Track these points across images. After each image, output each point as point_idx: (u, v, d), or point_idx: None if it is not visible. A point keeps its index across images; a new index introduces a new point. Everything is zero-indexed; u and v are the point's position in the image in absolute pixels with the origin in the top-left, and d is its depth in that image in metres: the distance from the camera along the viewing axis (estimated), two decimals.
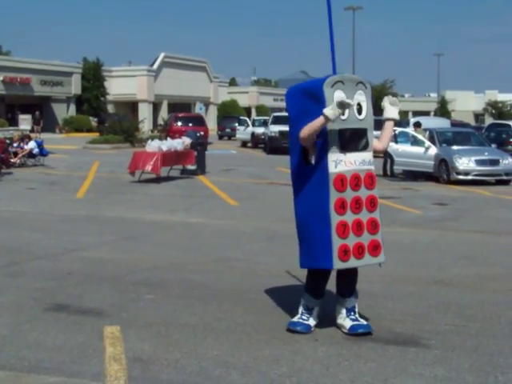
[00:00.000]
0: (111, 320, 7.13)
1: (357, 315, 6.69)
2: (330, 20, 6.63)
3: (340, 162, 6.45)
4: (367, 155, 6.62)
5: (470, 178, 22.29)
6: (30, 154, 27.61)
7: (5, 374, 5.69)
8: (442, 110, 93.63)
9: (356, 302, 6.75)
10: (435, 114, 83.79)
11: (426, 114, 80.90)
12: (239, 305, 7.77)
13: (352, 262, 6.51)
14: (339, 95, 6.35)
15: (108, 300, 7.91)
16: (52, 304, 7.73)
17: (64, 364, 5.91)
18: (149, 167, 21.24)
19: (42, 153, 28.04)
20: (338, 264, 6.44)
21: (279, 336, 6.69)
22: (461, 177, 22.31)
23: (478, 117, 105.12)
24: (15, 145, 28.02)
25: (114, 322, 7.06)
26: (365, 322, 6.66)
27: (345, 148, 6.50)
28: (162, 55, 76.58)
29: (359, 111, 6.52)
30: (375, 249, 6.56)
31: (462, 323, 7.20)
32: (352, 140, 6.55)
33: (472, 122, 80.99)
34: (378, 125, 6.89)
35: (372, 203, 6.54)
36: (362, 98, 6.53)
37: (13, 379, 5.61)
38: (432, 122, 31.61)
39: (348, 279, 6.69)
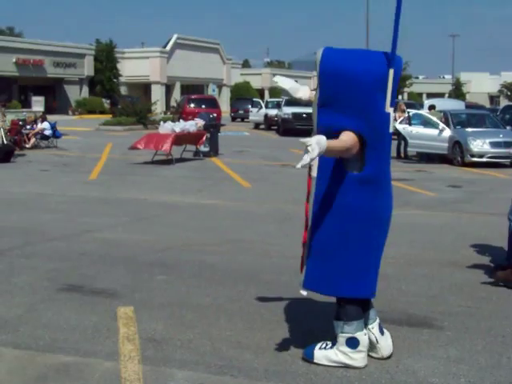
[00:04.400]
0: (124, 301, 7.19)
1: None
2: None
3: None
4: None
5: (484, 160, 22.18)
6: (43, 136, 27.68)
7: (20, 353, 5.76)
8: (457, 92, 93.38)
9: (336, 329, 5.63)
10: (450, 96, 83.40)
11: (440, 95, 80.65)
12: (252, 286, 7.81)
13: None
14: None
15: (121, 281, 7.97)
16: (66, 285, 7.80)
17: (78, 344, 5.97)
18: (161, 147, 21.29)
19: (55, 134, 28.10)
20: None
21: (292, 316, 6.73)
22: (475, 159, 22.21)
23: (493, 99, 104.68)
24: (28, 127, 28.10)
25: (127, 302, 7.13)
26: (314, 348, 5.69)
27: None
28: (174, 37, 76.51)
29: None
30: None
31: (476, 305, 7.22)
32: None
33: (487, 104, 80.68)
34: None
35: None
36: None
37: (28, 358, 5.68)
38: (446, 104, 31.36)
39: None
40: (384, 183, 5.46)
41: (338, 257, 5.42)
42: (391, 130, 5.29)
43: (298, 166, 4.63)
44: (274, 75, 6.22)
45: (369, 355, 5.67)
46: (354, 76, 5.14)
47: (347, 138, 5.13)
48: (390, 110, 5.22)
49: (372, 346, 5.68)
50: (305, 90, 5.83)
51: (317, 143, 4.67)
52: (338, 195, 5.33)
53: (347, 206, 5.32)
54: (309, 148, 4.65)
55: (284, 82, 5.81)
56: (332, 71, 5.20)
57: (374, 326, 5.71)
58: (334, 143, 4.98)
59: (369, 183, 5.31)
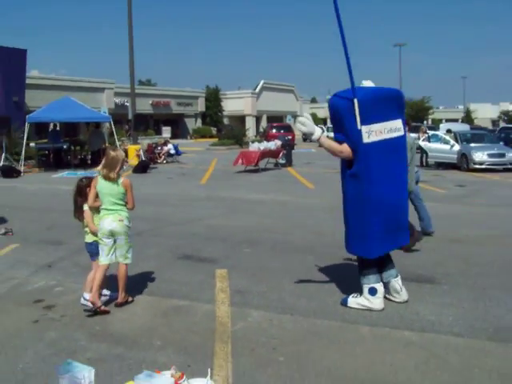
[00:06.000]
0: (221, 265, 7.48)
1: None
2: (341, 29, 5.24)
3: None
4: None
5: (483, 166, 21.64)
6: (169, 154, 28.32)
7: (150, 299, 6.15)
8: (468, 118, 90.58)
9: (360, 281, 5.86)
10: (462, 121, 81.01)
11: (455, 121, 78.28)
12: (310, 255, 8.00)
13: None
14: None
15: (219, 252, 8.26)
16: (181, 254, 8.15)
17: (187, 293, 6.31)
18: (251, 162, 21.64)
19: (178, 153, 28.72)
20: None
21: (336, 276, 6.89)
22: (477, 166, 21.67)
23: (495, 122, 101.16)
24: (159, 148, 28.81)
25: (222, 266, 7.42)
26: (349, 297, 5.89)
27: None
28: (262, 82, 76.71)
29: None
30: None
31: (467, 268, 7.24)
32: None
33: (490, 127, 78.14)
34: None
35: None
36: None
37: (155, 302, 6.05)
38: (456, 127, 30.81)
39: None
40: (374, 179, 5.55)
41: (347, 226, 5.84)
42: (365, 140, 5.45)
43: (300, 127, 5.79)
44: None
45: (392, 300, 5.87)
46: (338, 107, 5.59)
47: (335, 145, 5.66)
48: (360, 127, 5.43)
49: (396, 293, 5.87)
50: (318, 132, 5.85)
51: (310, 123, 5.68)
52: (343, 185, 5.90)
53: (345, 192, 5.84)
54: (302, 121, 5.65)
55: (303, 126, 5.84)
56: (330, 107, 5.78)
57: (398, 279, 5.91)
58: (326, 142, 5.70)
59: (356, 177, 5.62)
